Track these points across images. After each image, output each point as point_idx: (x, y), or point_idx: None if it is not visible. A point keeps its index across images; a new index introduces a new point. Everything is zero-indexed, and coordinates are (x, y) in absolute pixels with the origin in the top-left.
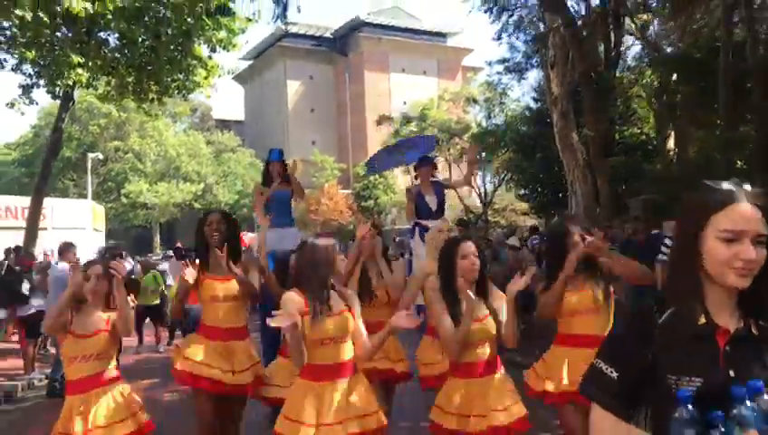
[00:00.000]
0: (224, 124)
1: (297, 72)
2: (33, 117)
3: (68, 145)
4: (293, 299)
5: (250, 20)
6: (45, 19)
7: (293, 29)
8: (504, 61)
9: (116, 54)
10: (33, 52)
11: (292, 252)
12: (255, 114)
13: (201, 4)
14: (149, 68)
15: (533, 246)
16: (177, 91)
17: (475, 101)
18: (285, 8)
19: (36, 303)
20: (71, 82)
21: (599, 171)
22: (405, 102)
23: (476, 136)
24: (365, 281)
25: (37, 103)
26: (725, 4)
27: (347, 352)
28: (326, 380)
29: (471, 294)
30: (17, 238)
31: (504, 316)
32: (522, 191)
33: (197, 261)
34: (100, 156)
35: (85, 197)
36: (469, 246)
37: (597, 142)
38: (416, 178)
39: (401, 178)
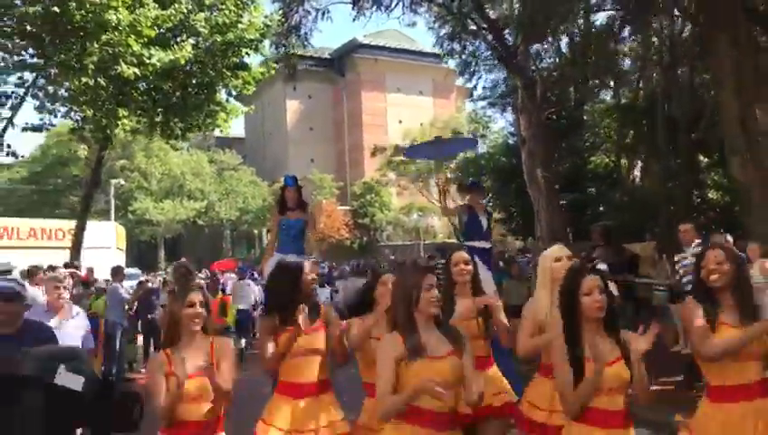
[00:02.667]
0: (224, 142)
1: (296, 91)
2: (41, 136)
3: (75, 164)
4: (391, 340)
5: (263, 73)
6: (103, 83)
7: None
8: (485, 98)
9: (146, 97)
10: (92, 109)
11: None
12: (256, 133)
13: (223, 61)
14: (176, 110)
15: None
16: (199, 130)
17: (460, 133)
18: (295, 71)
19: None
20: (117, 130)
21: (553, 206)
22: (401, 121)
23: (461, 165)
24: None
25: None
26: (662, 68)
27: (455, 399)
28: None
29: (598, 337)
30: (45, 258)
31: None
32: (500, 216)
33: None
34: (122, 181)
35: (92, 214)
36: (593, 281)
37: (551, 182)
38: (468, 200)
39: (396, 199)
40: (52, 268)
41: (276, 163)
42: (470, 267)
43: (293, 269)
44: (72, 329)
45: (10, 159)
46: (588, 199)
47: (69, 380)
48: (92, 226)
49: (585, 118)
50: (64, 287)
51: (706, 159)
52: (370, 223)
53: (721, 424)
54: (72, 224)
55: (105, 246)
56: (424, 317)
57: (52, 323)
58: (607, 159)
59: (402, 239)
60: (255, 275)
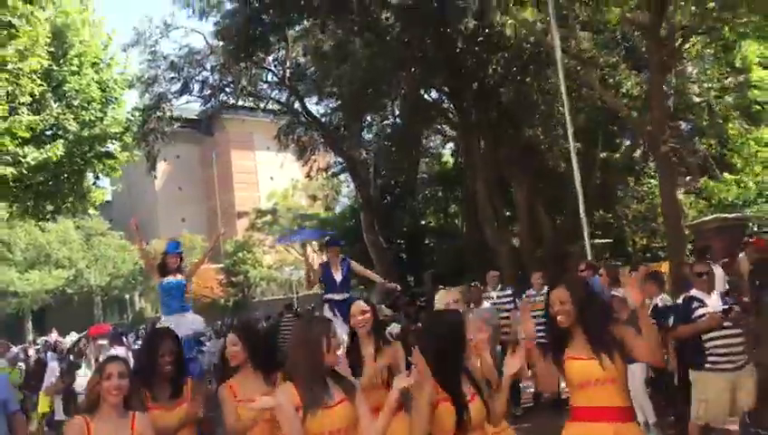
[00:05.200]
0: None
1: (163, 152)
2: None
3: None
4: (286, 392)
5: (128, 161)
6: None
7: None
8: (327, 168)
9: (18, 187)
10: None
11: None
12: (122, 195)
13: (91, 151)
14: (47, 196)
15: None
16: (68, 212)
17: (316, 197)
18: (155, 163)
19: None
20: None
21: (384, 262)
22: (272, 178)
23: (318, 225)
24: (358, 360)
25: None
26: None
27: None
28: None
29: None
30: None
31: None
32: None
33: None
34: None
35: None
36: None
37: (379, 244)
38: (325, 257)
39: (269, 256)
40: None
41: (146, 225)
42: (368, 316)
43: (149, 345)
44: None
45: None
46: (425, 251)
47: None
48: None
49: (418, 181)
50: None
51: None
52: (244, 280)
53: None
54: None
55: None
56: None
57: None
58: (442, 215)
59: (276, 294)
60: (126, 342)
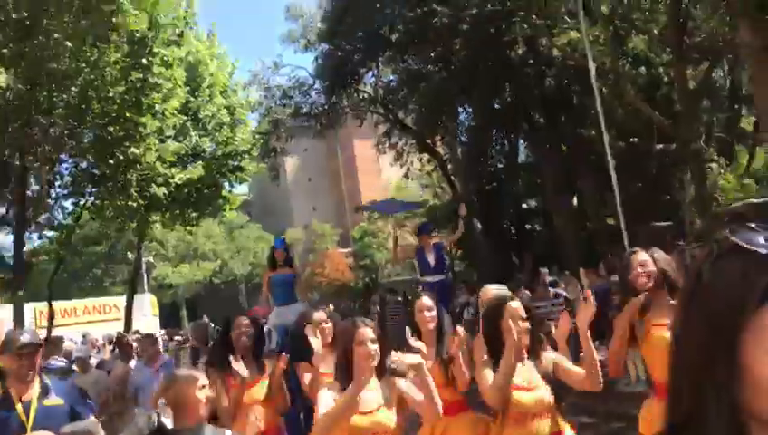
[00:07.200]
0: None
1: (292, 147)
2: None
3: (100, 243)
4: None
5: (256, 173)
6: (142, 202)
7: (276, 135)
8: (422, 169)
9: (166, 199)
10: (133, 221)
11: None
12: (258, 190)
13: (226, 166)
14: (190, 205)
15: None
16: (208, 216)
17: (426, 185)
18: (278, 174)
19: None
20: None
21: (483, 252)
22: (392, 164)
23: (427, 212)
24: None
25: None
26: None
27: None
28: None
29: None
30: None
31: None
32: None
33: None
34: (151, 259)
35: (115, 284)
36: (515, 309)
37: (470, 233)
38: (419, 242)
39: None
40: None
41: (281, 216)
42: (433, 314)
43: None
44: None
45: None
46: (528, 233)
47: None
48: (135, 299)
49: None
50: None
51: None
52: (370, 263)
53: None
54: (116, 300)
55: (144, 314)
56: (360, 371)
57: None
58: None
59: (402, 274)
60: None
